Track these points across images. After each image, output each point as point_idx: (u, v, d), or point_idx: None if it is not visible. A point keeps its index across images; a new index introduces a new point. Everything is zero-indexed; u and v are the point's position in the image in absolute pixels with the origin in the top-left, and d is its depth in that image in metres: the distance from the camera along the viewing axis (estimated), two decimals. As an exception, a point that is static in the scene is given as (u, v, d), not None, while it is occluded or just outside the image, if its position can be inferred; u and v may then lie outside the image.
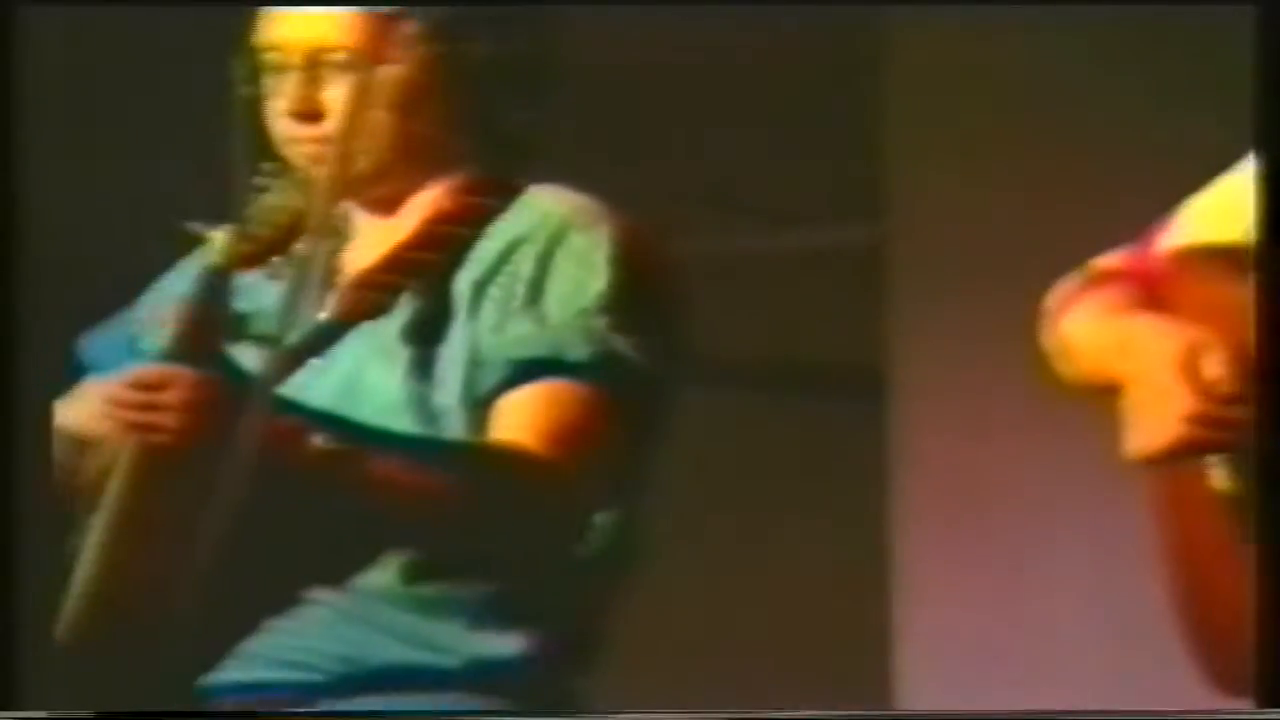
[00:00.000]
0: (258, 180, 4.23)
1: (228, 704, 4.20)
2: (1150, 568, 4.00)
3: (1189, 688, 3.95)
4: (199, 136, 7.73)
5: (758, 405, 7.75)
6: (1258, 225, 4.08)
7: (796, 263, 7.57)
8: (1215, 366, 3.79)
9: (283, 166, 4.27)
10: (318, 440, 4.02)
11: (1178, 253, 4.02)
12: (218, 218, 4.66)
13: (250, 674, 4.14)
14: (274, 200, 4.21)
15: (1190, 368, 3.81)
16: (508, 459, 4.11)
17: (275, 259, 4.20)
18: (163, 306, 4.26)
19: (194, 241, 4.33)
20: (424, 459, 4.12)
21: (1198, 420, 3.80)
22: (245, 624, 4.17)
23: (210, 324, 4.12)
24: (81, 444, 4.28)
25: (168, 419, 3.99)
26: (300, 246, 4.21)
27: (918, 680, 7.67)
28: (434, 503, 4.08)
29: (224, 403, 4.01)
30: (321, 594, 4.13)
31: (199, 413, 3.99)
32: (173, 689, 4.20)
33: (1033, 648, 7.20)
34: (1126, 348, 3.94)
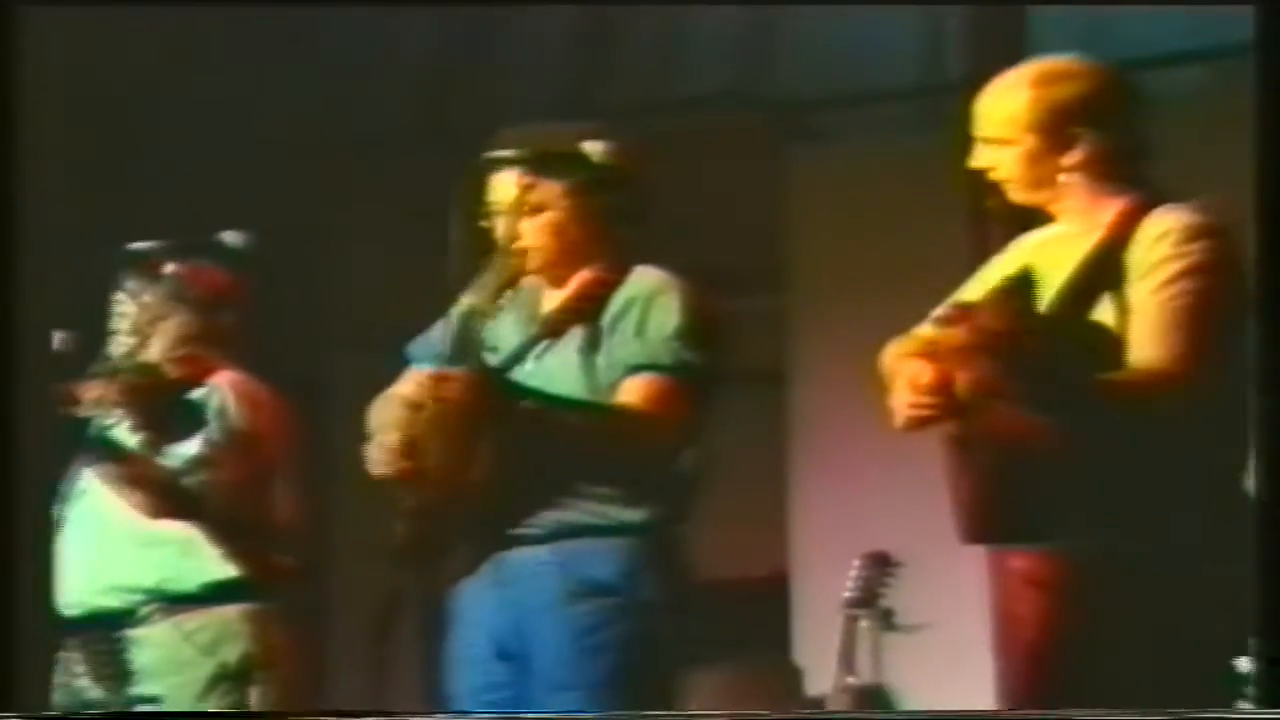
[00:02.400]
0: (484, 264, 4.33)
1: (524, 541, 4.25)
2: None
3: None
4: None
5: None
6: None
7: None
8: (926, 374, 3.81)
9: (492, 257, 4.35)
10: (529, 404, 4.20)
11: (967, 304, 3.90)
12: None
13: (516, 531, 4.26)
14: (491, 275, 4.32)
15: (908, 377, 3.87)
16: (621, 412, 4.24)
17: (502, 303, 4.37)
18: (443, 327, 4.32)
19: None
20: (584, 412, 4.25)
21: (912, 407, 3.84)
22: (514, 510, 4.28)
23: (469, 340, 4.27)
24: (403, 407, 4.20)
25: (449, 396, 4.12)
26: (510, 300, 4.40)
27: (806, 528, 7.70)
28: (588, 438, 4.24)
29: (478, 387, 4.16)
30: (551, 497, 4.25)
31: (466, 394, 4.13)
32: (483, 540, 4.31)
33: (885, 520, 6.93)
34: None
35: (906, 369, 3.88)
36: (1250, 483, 3.93)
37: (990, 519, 3.94)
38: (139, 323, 5.05)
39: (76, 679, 4.98)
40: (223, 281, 5.08)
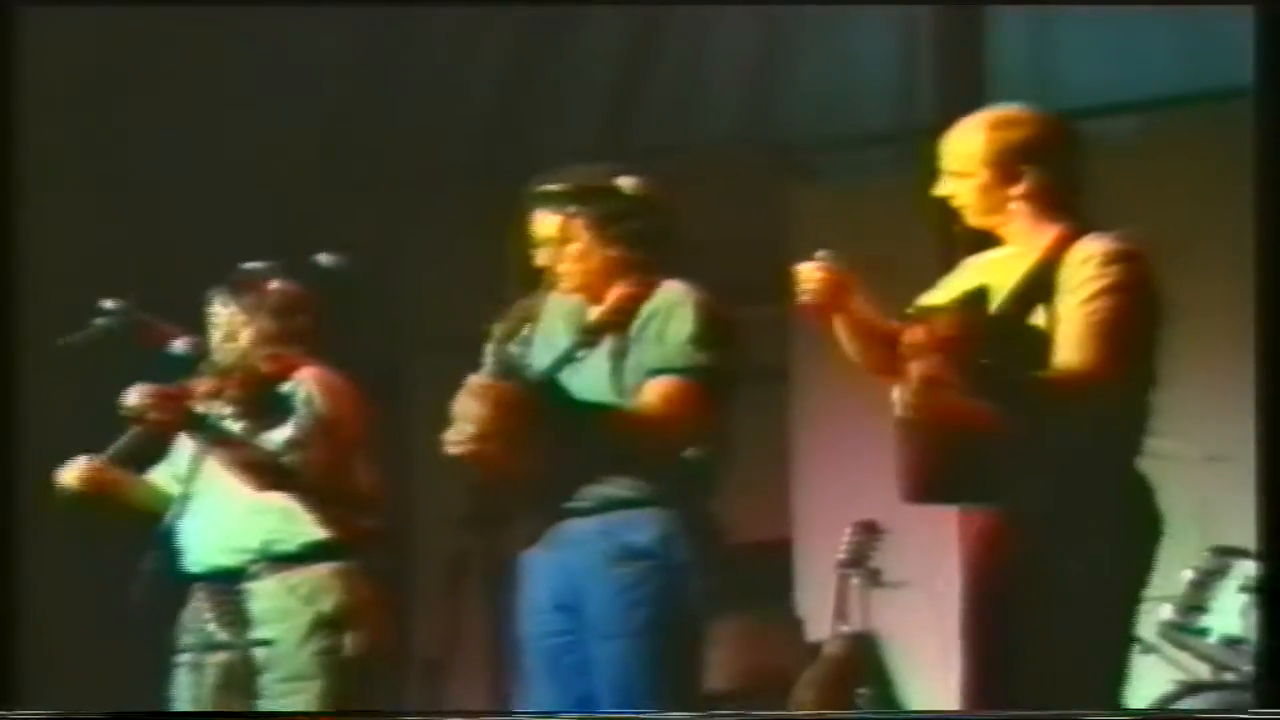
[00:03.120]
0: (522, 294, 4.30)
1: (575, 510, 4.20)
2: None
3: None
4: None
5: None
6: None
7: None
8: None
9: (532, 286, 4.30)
10: (567, 409, 4.15)
11: (927, 309, 3.94)
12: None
13: (569, 505, 4.23)
14: (528, 307, 4.30)
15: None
16: (640, 416, 4.19)
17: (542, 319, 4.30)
18: (501, 338, 4.21)
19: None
20: (612, 415, 4.20)
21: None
22: (568, 488, 4.22)
23: (516, 352, 4.22)
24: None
25: (500, 405, 4.04)
26: (558, 312, 4.33)
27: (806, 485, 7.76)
28: (619, 434, 4.19)
29: (522, 397, 4.10)
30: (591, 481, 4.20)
31: (513, 402, 4.06)
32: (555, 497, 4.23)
33: (872, 494, 6.12)
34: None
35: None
36: (1141, 464, 3.96)
37: (927, 482, 3.95)
38: (232, 329, 5.01)
39: (206, 624, 5.00)
40: (297, 291, 5.01)
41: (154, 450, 5.07)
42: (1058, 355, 3.85)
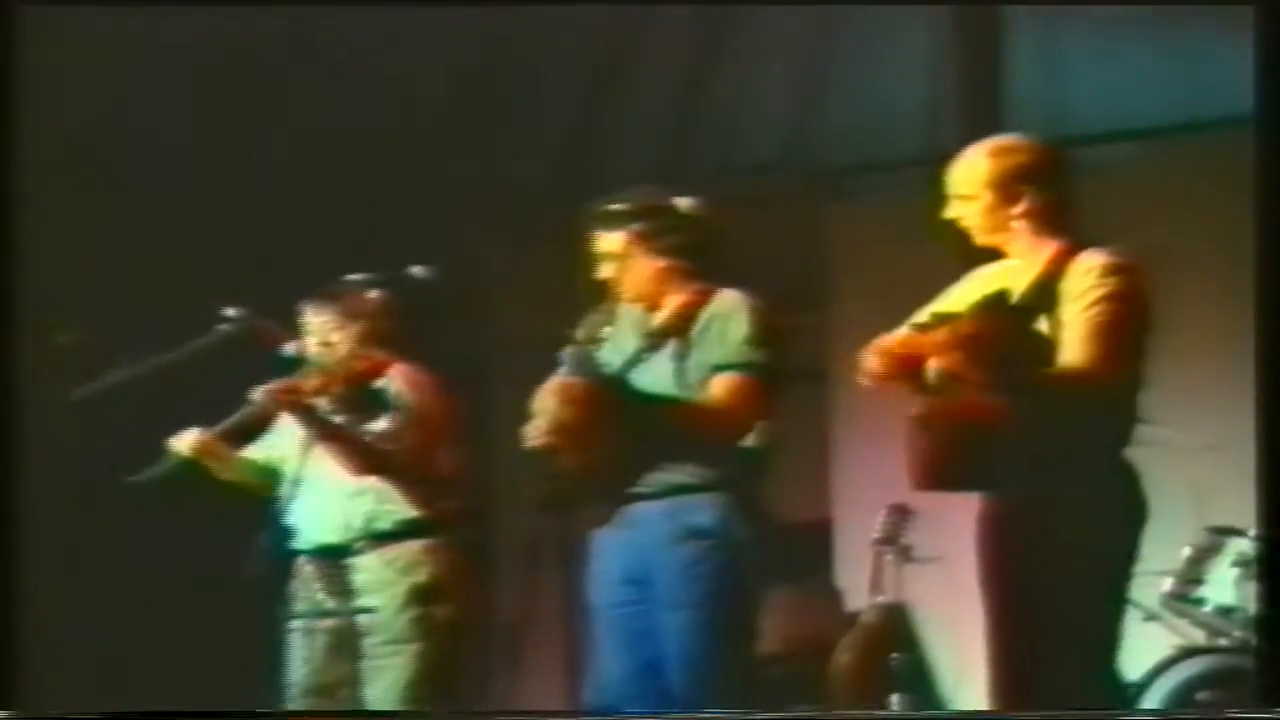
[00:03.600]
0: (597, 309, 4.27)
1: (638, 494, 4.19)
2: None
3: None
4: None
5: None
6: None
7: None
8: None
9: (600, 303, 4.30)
10: (637, 402, 4.16)
11: (946, 314, 3.94)
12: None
13: (637, 490, 4.22)
14: (599, 314, 4.29)
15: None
16: (706, 407, 4.20)
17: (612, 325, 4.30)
18: (575, 342, 4.21)
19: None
20: (677, 406, 4.20)
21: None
22: (636, 475, 4.21)
23: (589, 354, 4.21)
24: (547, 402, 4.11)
25: (575, 401, 4.05)
26: (623, 320, 4.31)
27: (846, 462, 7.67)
28: (683, 424, 4.18)
29: (595, 393, 4.12)
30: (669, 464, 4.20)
31: (586, 399, 4.09)
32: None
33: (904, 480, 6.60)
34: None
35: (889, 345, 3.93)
36: (1136, 453, 3.95)
37: (935, 473, 3.93)
38: (324, 335, 4.99)
39: (316, 594, 5.02)
40: (387, 299, 4.97)
41: (255, 435, 5.09)
42: (1063, 355, 3.84)
